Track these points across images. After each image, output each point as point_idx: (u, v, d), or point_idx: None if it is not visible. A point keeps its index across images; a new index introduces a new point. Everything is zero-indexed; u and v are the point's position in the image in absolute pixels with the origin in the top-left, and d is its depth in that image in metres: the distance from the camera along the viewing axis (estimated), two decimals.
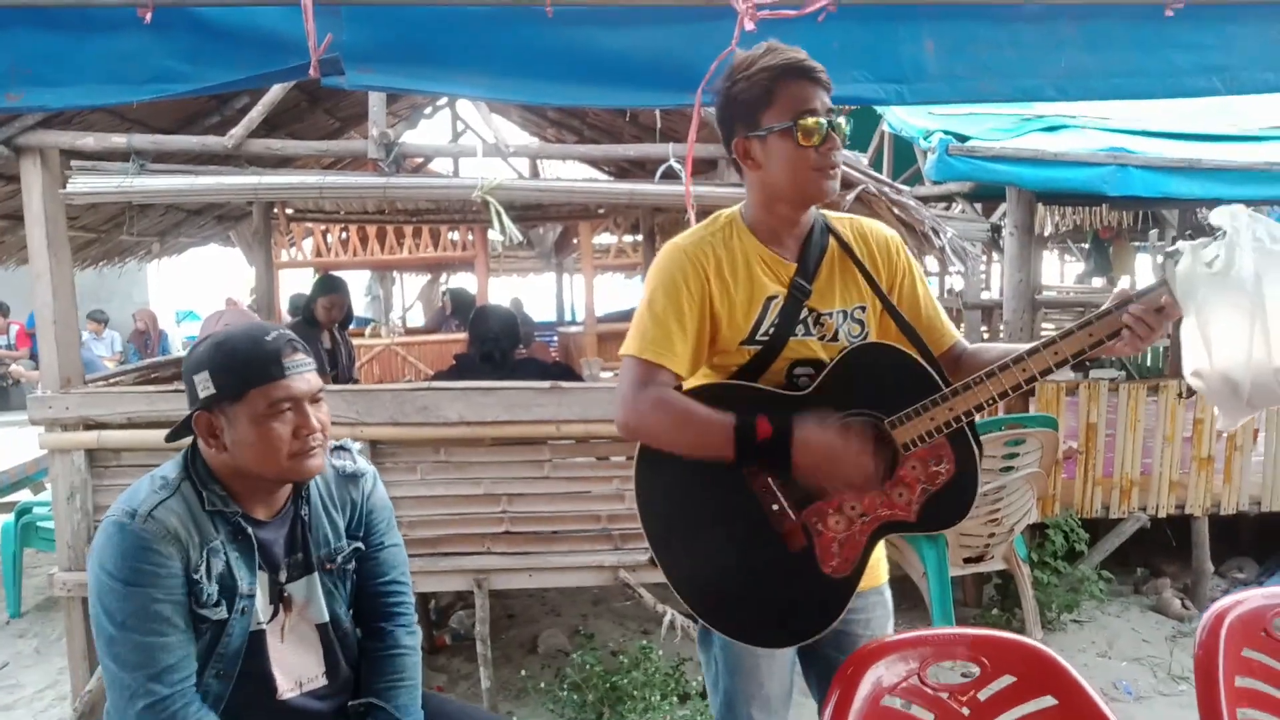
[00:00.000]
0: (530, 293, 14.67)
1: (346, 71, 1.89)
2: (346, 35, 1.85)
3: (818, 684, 1.81)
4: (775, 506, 1.59)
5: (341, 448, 1.85)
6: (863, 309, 1.70)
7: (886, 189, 2.88)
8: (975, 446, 1.61)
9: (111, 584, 1.52)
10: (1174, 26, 2.06)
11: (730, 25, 1.83)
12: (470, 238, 8.16)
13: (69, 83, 1.85)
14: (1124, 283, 1.76)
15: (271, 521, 1.69)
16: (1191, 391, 1.55)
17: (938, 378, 1.59)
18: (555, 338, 9.26)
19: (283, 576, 1.69)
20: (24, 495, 5.15)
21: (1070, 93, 2.17)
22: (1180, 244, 1.52)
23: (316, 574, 1.73)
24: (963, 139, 3.67)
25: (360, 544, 1.80)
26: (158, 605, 1.52)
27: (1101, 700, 1.56)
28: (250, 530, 1.64)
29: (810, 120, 1.52)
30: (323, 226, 7.66)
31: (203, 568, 1.57)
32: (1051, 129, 4.10)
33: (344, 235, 7.94)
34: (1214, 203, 4.21)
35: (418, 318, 12.55)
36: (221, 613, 1.59)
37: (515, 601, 4.38)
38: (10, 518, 4.33)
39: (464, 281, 11.97)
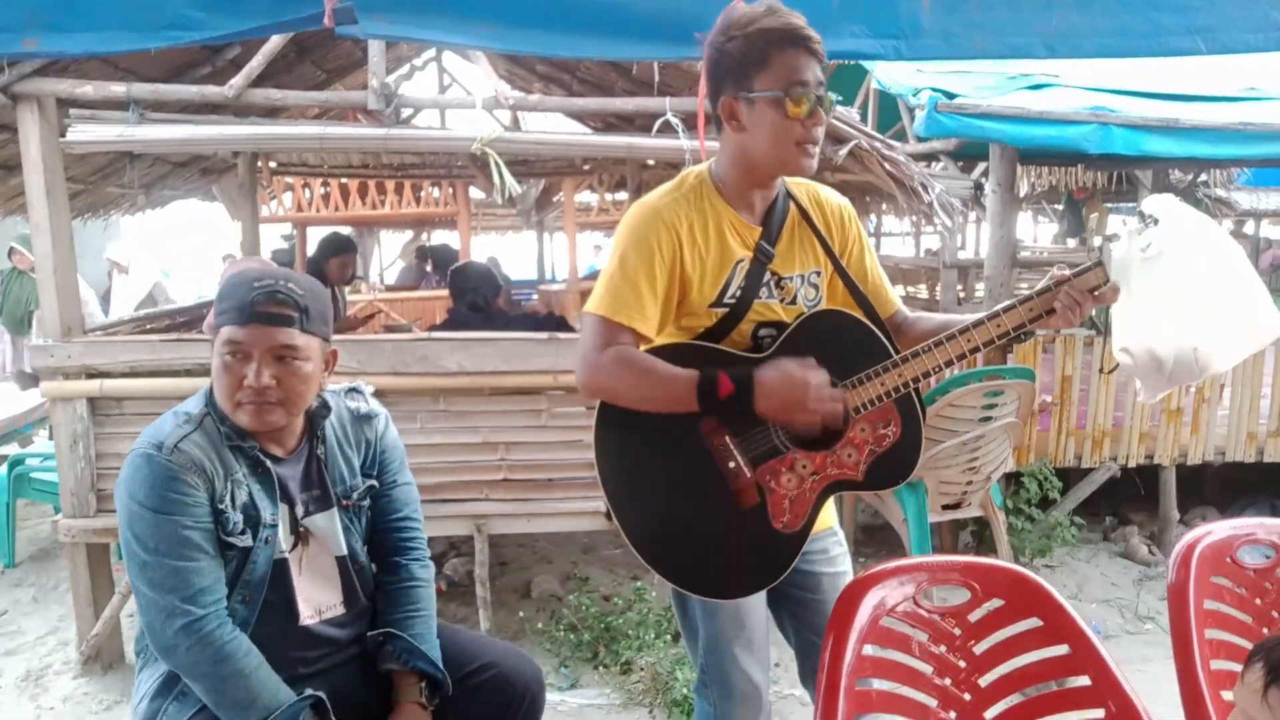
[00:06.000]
0: (509, 251, 14.63)
1: (360, 20, 1.92)
2: None
3: (791, 624, 1.88)
4: (731, 464, 1.63)
5: (355, 390, 1.92)
6: (818, 274, 1.76)
7: (878, 144, 2.95)
8: (920, 411, 1.69)
9: (142, 512, 1.59)
10: None
11: None
12: (452, 193, 8.12)
13: (85, 29, 1.87)
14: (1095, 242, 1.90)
15: (288, 458, 1.76)
16: (1115, 366, 1.70)
17: (888, 344, 1.67)
18: (534, 295, 9.27)
19: (299, 511, 1.76)
20: (11, 448, 5.17)
21: (1059, 51, 2.24)
22: (1116, 230, 1.64)
23: (335, 509, 1.80)
24: (950, 96, 3.74)
25: (375, 482, 1.87)
26: (187, 531, 1.59)
27: (1083, 622, 1.68)
28: (269, 464, 1.71)
29: (801, 92, 1.53)
30: (303, 181, 7.59)
31: (228, 498, 1.64)
32: (1036, 88, 4.18)
33: (324, 190, 7.87)
34: (1191, 162, 4.33)
35: (394, 275, 12.47)
36: (247, 540, 1.66)
37: (507, 550, 4.48)
38: (3, 469, 4.35)
39: (440, 240, 11.92)
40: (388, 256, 13.08)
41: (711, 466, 1.64)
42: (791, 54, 1.54)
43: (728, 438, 1.64)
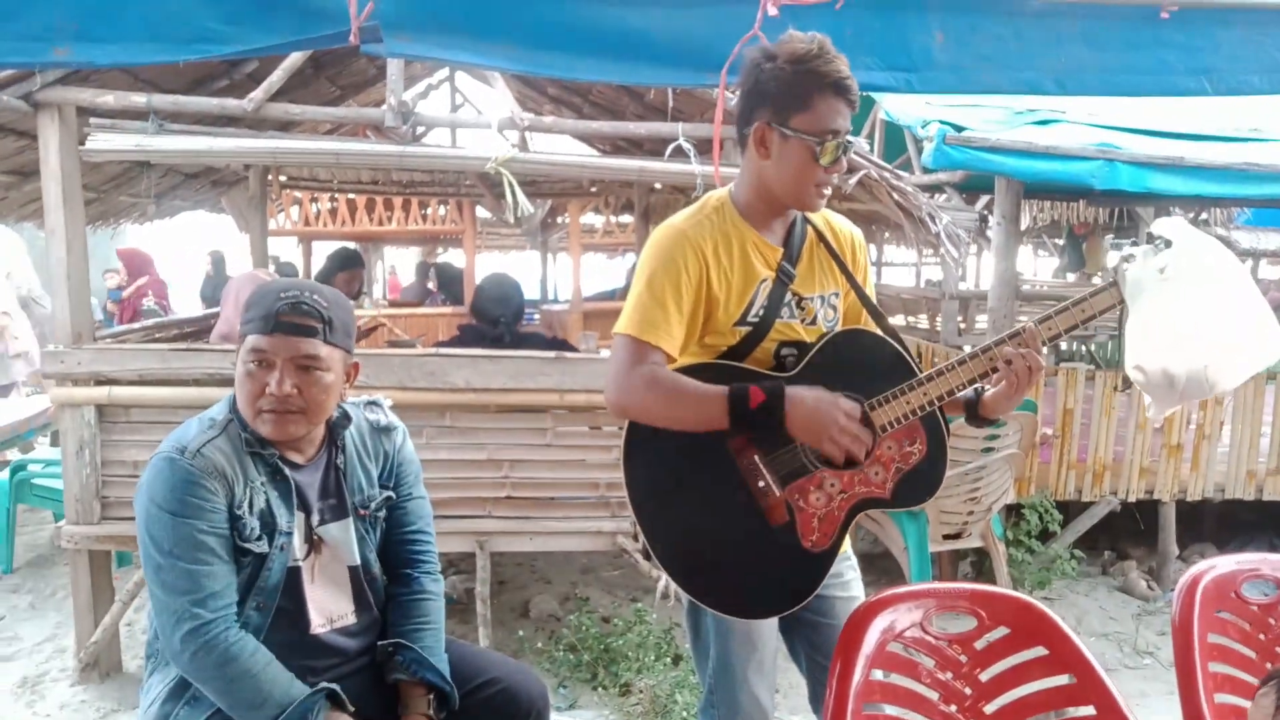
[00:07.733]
0: (512, 270, 14.64)
1: (385, 39, 1.95)
2: (386, 4, 1.91)
3: (803, 648, 1.89)
4: (760, 484, 1.66)
5: (374, 403, 1.94)
6: (837, 295, 1.80)
7: (888, 175, 2.98)
8: (945, 429, 1.72)
9: (160, 515, 1.61)
10: (1168, 28, 2.16)
11: (753, 9, 1.91)
12: (459, 212, 8.16)
13: (114, 40, 1.89)
14: (1098, 279, 1.95)
15: (306, 466, 1.77)
16: (1128, 384, 1.74)
17: (913, 364, 1.69)
18: (536, 316, 9.27)
19: (315, 520, 1.77)
20: (13, 454, 5.16)
21: (1068, 87, 2.27)
22: (1132, 249, 1.68)
23: (351, 519, 1.82)
24: (958, 129, 3.79)
25: (392, 493, 1.89)
26: (203, 536, 1.61)
27: (1088, 652, 1.69)
28: (287, 472, 1.72)
29: (834, 143, 1.59)
30: (311, 195, 7.64)
31: (245, 503, 1.66)
32: (1043, 123, 4.23)
33: (332, 205, 7.91)
34: (1193, 200, 4.38)
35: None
36: (263, 546, 1.68)
37: (506, 569, 4.47)
38: (4, 474, 4.35)
39: (445, 257, 11.96)
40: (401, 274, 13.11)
41: (741, 485, 1.66)
42: (833, 102, 1.59)
43: (756, 456, 1.66)
